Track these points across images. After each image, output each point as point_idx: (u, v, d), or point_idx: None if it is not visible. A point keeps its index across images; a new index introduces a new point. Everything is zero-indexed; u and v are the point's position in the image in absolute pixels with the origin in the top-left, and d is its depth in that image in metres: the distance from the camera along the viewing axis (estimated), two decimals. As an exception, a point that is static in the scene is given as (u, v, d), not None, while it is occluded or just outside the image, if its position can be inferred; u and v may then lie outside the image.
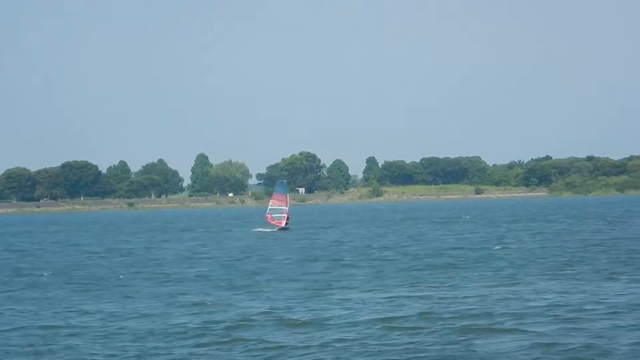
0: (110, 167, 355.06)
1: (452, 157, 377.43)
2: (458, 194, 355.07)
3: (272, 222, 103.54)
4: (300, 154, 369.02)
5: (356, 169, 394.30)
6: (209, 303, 36.93)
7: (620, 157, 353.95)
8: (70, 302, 38.80)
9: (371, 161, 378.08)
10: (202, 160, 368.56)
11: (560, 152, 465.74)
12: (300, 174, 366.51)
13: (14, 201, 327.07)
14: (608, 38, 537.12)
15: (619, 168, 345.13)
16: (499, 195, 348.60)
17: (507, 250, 61.68)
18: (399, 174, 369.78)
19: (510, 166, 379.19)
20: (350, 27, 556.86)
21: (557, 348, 25.75)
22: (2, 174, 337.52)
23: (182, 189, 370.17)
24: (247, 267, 54.65)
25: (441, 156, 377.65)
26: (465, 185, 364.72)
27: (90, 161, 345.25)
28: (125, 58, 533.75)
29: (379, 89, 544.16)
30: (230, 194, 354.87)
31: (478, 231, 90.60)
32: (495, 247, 64.67)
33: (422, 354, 25.56)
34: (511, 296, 36.65)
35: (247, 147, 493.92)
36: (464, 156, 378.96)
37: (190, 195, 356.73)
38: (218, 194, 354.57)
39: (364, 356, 25.63)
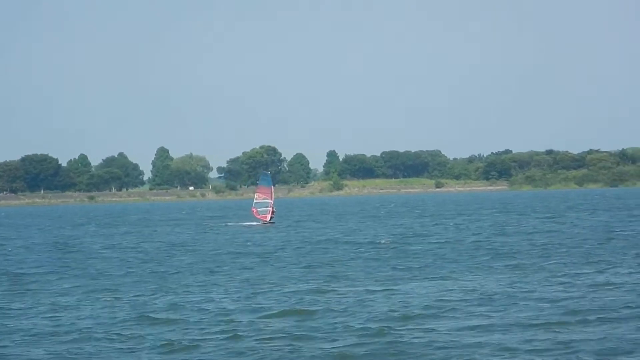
0: (70, 161, 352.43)
1: (412, 151, 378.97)
2: (418, 187, 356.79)
3: (258, 217, 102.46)
4: (261, 147, 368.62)
5: (317, 163, 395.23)
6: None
7: (580, 151, 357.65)
8: None
9: (332, 155, 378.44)
10: (162, 153, 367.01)
11: (520, 146, 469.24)
12: (261, 167, 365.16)
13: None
14: (576, 35, 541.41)
15: (578, 162, 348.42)
16: (459, 188, 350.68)
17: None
18: (359, 168, 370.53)
19: (471, 160, 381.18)
20: (312, 22, 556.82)
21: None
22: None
23: (142, 183, 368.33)
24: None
25: (402, 150, 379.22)
26: (425, 179, 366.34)
27: (50, 154, 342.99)
28: (85, 51, 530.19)
29: (339, 83, 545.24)
30: (191, 188, 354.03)
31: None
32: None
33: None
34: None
35: (208, 140, 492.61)
36: (424, 150, 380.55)
37: (150, 189, 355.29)
38: (179, 188, 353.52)
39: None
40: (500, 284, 38.63)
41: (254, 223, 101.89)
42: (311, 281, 42.00)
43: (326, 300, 35.12)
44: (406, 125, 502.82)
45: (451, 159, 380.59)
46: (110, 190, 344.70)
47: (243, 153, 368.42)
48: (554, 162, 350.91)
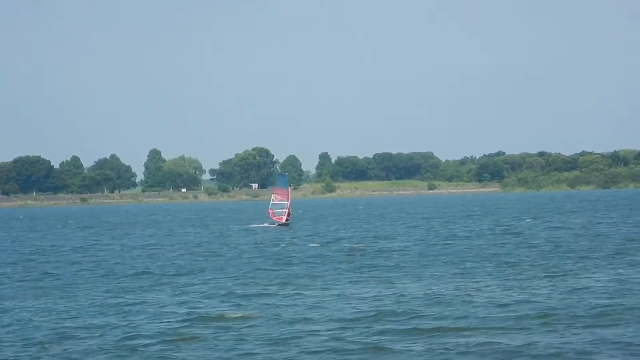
0: (62, 162, 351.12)
1: (405, 153, 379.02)
2: (411, 189, 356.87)
3: (274, 218, 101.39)
4: (254, 149, 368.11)
5: (309, 165, 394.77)
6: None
7: (572, 153, 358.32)
8: None
9: (324, 157, 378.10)
10: (155, 155, 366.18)
11: (512, 148, 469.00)
12: (254, 169, 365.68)
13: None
14: (568, 38, 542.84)
15: (570, 164, 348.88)
16: (452, 190, 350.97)
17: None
18: (351, 170, 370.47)
19: (463, 162, 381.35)
20: (304, 23, 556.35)
21: None
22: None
23: (135, 185, 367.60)
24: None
25: (394, 152, 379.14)
26: (418, 181, 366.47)
27: (42, 156, 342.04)
28: (78, 53, 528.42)
29: (332, 85, 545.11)
30: (184, 190, 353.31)
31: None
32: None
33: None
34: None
35: (200, 142, 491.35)
36: (416, 152, 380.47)
37: (143, 191, 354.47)
38: (171, 190, 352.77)
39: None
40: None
41: (271, 225, 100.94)
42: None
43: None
44: (399, 127, 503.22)
45: (443, 160, 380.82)
46: (102, 192, 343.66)
47: (235, 155, 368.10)
48: (547, 163, 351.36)
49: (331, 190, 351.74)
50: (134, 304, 36.57)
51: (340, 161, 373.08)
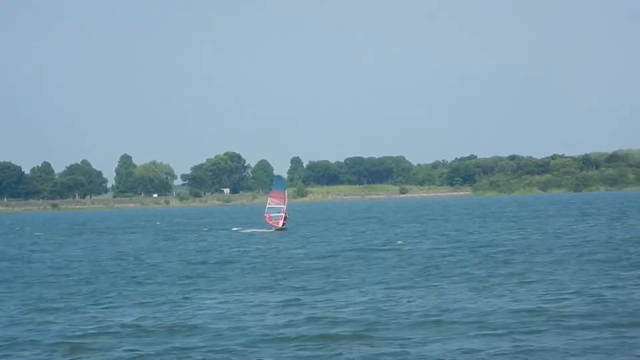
0: (33, 168, 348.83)
1: (376, 157, 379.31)
2: (383, 193, 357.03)
3: (270, 222, 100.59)
4: (225, 154, 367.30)
5: (281, 169, 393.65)
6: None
7: (543, 156, 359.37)
8: None
9: (296, 161, 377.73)
10: (125, 160, 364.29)
11: (484, 152, 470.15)
12: (225, 174, 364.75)
13: None
14: (540, 41, 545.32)
15: (542, 167, 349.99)
16: (423, 194, 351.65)
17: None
18: (323, 174, 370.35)
19: (435, 166, 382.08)
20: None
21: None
22: None
23: (106, 190, 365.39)
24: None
25: (366, 156, 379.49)
26: (389, 185, 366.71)
27: (13, 162, 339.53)
28: (48, 59, 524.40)
29: (302, 88, 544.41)
30: (155, 195, 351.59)
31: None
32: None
33: None
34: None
35: (172, 147, 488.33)
36: (388, 156, 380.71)
37: (114, 196, 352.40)
38: (142, 195, 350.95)
39: None
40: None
41: (266, 230, 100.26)
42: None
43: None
44: (370, 131, 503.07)
45: (415, 164, 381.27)
46: (74, 198, 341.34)
47: (207, 160, 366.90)
48: (518, 167, 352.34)
49: (303, 195, 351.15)
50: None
51: (312, 165, 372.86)
